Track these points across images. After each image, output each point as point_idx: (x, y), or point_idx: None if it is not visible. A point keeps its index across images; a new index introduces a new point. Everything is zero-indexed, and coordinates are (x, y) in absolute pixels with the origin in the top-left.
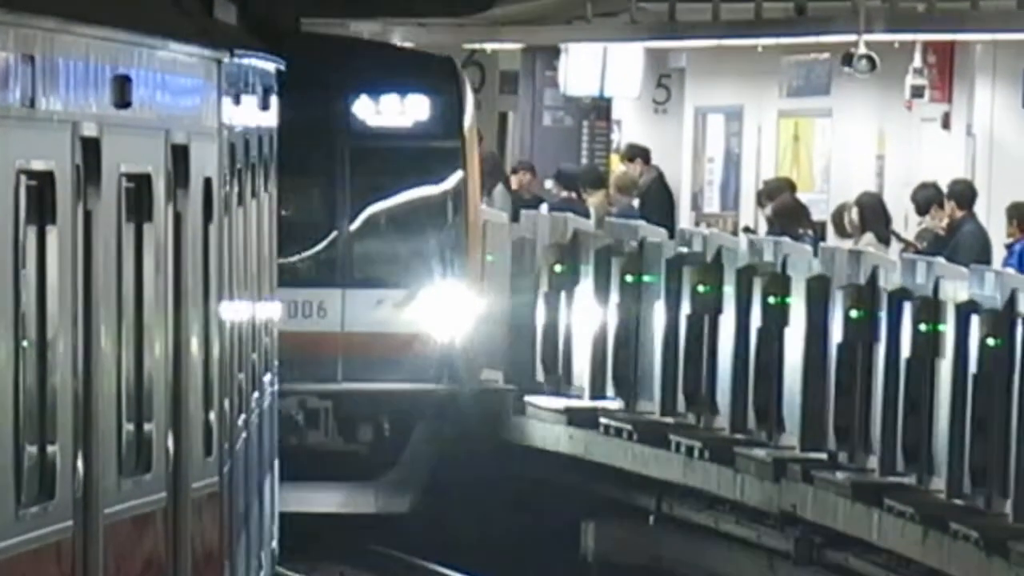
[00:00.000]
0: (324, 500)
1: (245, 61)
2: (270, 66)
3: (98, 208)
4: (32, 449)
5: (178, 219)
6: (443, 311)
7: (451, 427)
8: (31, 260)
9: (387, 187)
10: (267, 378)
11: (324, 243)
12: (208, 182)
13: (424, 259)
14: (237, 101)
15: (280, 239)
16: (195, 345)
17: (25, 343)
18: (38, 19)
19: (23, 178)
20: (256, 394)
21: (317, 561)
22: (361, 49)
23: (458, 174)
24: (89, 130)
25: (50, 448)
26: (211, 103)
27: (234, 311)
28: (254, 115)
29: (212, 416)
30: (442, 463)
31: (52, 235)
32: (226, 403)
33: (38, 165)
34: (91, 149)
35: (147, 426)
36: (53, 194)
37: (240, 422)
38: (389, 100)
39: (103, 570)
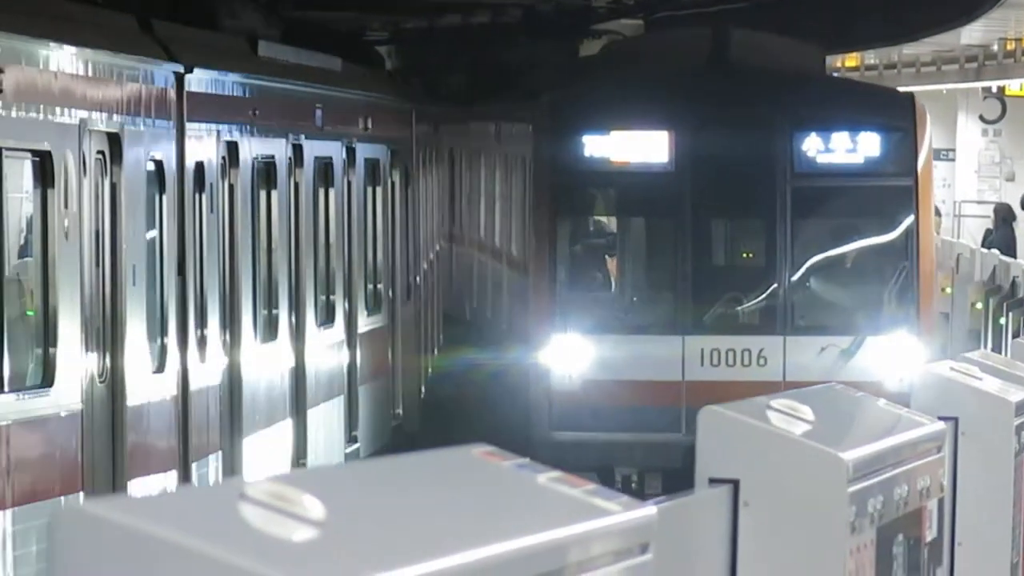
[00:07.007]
0: None
1: (390, 102)
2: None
3: (301, 179)
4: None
5: (349, 186)
6: (892, 360)
7: None
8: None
9: (832, 228)
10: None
11: (764, 288)
12: (368, 165)
13: (871, 305)
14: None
15: (716, 283)
16: (396, 240)
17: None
18: (275, 79)
19: (257, 163)
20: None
21: None
22: (810, 83)
23: (910, 216)
24: (295, 140)
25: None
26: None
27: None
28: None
29: (379, 287)
30: None
31: (274, 199)
32: (398, 280)
33: (268, 157)
34: (298, 149)
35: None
36: (275, 172)
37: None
38: (839, 137)
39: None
